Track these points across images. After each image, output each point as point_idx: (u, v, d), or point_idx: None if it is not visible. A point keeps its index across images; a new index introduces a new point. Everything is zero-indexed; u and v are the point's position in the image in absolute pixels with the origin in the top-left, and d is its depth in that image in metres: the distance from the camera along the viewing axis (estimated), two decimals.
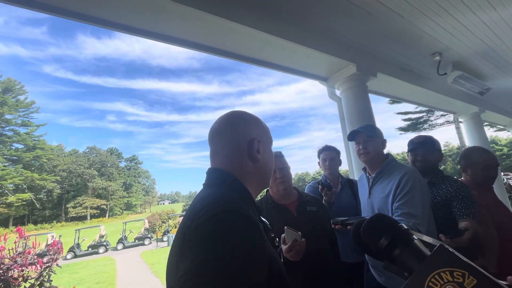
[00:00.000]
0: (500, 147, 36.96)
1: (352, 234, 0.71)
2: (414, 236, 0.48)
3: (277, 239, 0.84)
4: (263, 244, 0.53)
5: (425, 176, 1.64)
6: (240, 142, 0.74)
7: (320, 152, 2.23)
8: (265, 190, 1.67)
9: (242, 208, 0.57)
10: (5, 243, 3.42)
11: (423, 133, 23.60)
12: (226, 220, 0.51)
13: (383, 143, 1.65)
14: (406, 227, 0.51)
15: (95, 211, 53.96)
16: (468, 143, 5.62)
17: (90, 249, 17.51)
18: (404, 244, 0.47)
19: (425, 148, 1.77)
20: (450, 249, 0.40)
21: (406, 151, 1.93)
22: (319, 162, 2.26)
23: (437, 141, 1.82)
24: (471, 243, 1.33)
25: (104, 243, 17.96)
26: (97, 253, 17.32)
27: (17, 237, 3.64)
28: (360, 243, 0.70)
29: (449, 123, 22.08)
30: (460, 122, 5.61)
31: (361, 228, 0.56)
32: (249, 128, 0.77)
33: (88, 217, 52.06)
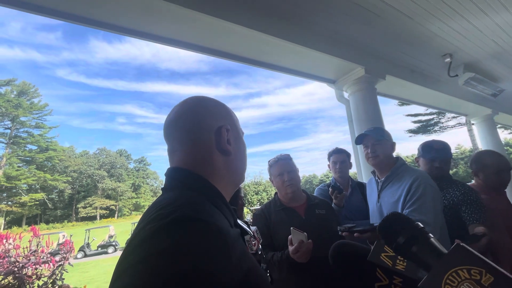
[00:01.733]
0: None
1: (331, 255, 0.71)
2: (430, 234, 0.50)
3: (260, 247, 0.78)
4: (225, 263, 0.41)
5: (434, 181, 1.62)
6: (204, 132, 0.60)
7: (331, 154, 2.22)
8: (274, 192, 1.68)
9: (209, 216, 0.45)
10: (20, 241, 3.53)
11: (433, 136, 23.21)
12: (183, 234, 0.39)
13: (392, 146, 1.63)
14: (422, 226, 0.52)
15: (104, 212, 54.92)
16: (481, 145, 5.48)
17: (99, 248, 17.81)
18: (421, 241, 0.48)
19: (443, 156, 1.72)
20: (467, 247, 0.41)
21: (418, 155, 1.85)
22: (329, 165, 2.26)
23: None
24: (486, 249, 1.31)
25: (113, 243, 18.24)
26: (106, 253, 17.60)
27: (31, 236, 3.75)
28: (339, 263, 0.71)
29: (461, 125, 21.60)
30: (472, 124, 5.47)
31: (378, 227, 0.57)
32: (214, 115, 0.63)
33: (98, 217, 53.00)
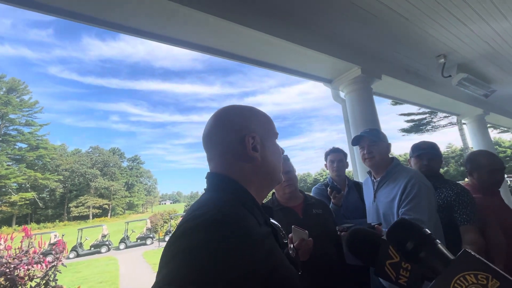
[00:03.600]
0: (504, 149, 36.73)
1: (347, 241, 0.75)
2: (437, 240, 0.51)
3: (292, 246, 0.81)
4: (253, 259, 0.47)
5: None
6: (230, 144, 0.66)
7: (328, 154, 2.24)
8: (271, 193, 1.68)
9: (237, 216, 0.52)
10: (11, 242, 3.46)
11: (425, 135, 23.56)
12: (213, 231, 0.46)
13: (387, 147, 1.65)
14: (429, 232, 0.53)
15: (97, 211, 54.22)
16: (471, 145, 5.59)
17: (92, 248, 17.61)
18: (429, 247, 0.50)
19: (431, 154, 1.79)
20: (474, 254, 0.43)
21: (410, 156, 1.92)
22: (325, 164, 2.27)
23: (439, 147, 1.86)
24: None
25: (107, 243, 18.05)
26: (99, 252, 17.42)
27: (23, 236, 3.67)
28: (353, 249, 0.75)
29: (452, 124, 21.97)
30: (464, 124, 5.58)
31: (387, 233, 0.58)
32: (238, 126, 0.68)
33: (91, 217, 52.30)
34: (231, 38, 2.17)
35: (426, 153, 1.80)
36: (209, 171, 0.70)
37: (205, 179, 0.68)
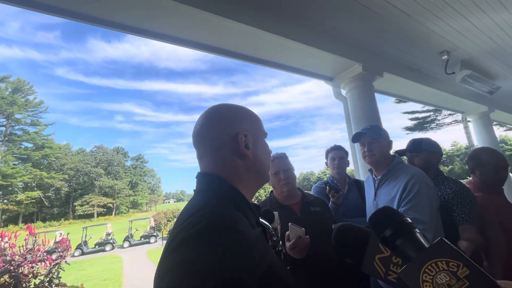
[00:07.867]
0: (510, 147, 36.24)
1: (333, 237, 0.75)
2: (416, 229, 0.52)
3: (280, 242, 0.83)
4: (250, 263, 0.47)
5: None
6: (222, 140, 0.67)
7: (329, 151, 2.22)
8: (270, 191, 1.68)
9: (232, 221, 0.51)
10: (15, 240, 3.50)
11: (430, 133, 23.34)
12: (208, 241, 0.45)
13: (389, 144, 1.63)
14: (410, 221, 0.54)
15: (101, 209, 54.73)
16: (476, 142, 5.51)
17: (97, 246, 17.81)
18: (406, 235, 0.51)
19: (409, 151, 1.83)
20: (449, 243, 0.44)
21: None
22: (326, 162, 2.26)
23: (429, 142, 1.81)
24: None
25: (111, 241, 18.24)
26: (103, 250, 17.60)
27: (27, 235, 3.72)
28: (338, 247, 0.75)
29: (457, 122, 21.73)
30: (469, 121, 5.50)
31: (369, 219, 0.59)
32: (231, 123, 0.69)
33: (95, 215, 52.84)
34: (233, 37, 2.17)
35: (406, 150, 1.86)
36: (199, 171, 0.69)
37: (195, 178, 0.68)
